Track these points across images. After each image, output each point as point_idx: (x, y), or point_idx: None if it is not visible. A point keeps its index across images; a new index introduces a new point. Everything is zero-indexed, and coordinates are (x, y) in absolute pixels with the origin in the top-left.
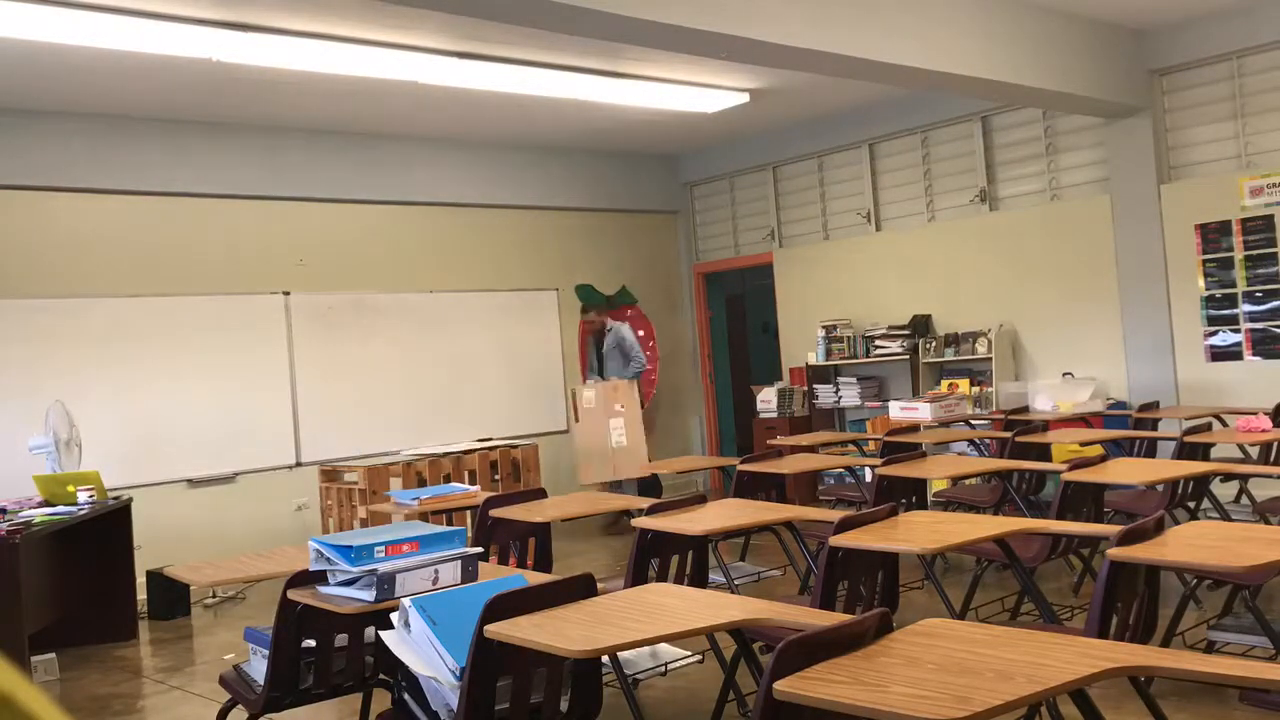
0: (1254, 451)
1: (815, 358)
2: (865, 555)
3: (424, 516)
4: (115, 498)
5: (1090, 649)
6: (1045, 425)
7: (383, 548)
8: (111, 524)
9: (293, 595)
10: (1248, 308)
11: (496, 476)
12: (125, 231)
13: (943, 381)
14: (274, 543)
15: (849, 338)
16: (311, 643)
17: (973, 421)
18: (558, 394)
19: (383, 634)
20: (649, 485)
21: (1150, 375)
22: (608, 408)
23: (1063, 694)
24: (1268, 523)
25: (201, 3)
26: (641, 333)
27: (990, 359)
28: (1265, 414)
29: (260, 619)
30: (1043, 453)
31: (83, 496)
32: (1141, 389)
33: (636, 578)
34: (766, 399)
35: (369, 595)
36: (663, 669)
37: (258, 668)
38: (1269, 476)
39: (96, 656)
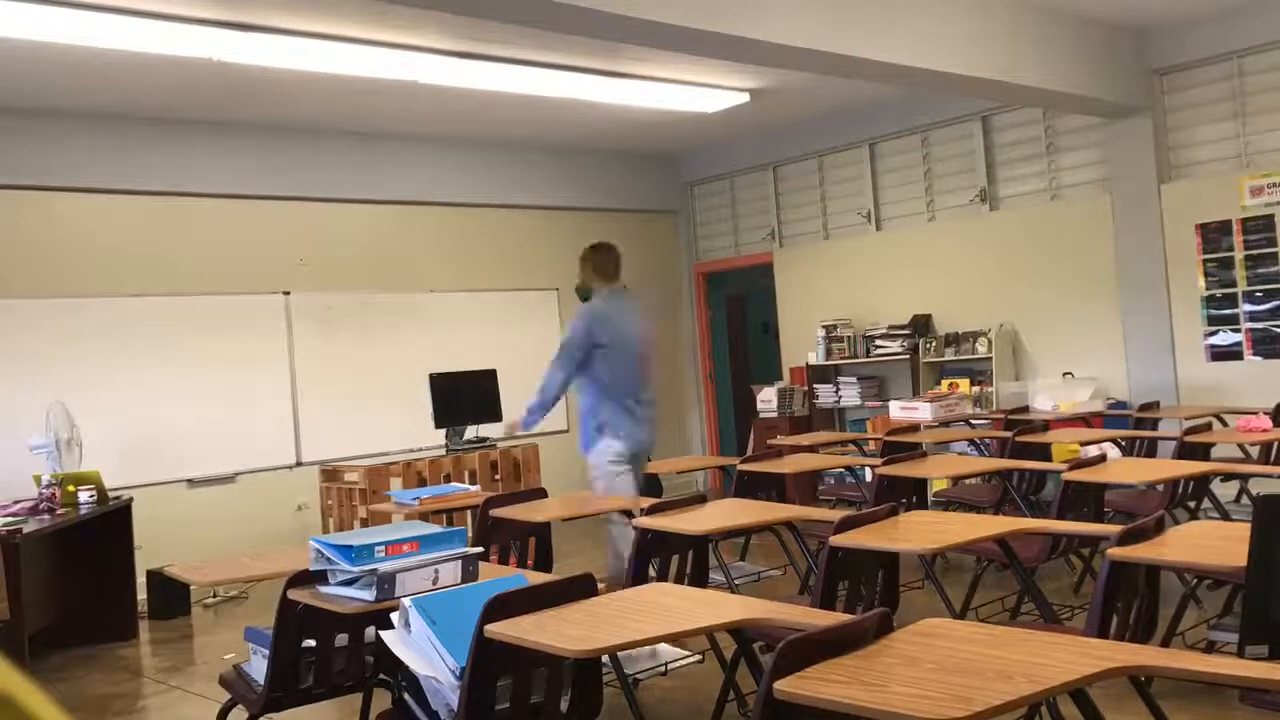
0: (1254, 451)
1: (815, 357)
2: (865, 555)
3: (424, 516)
4: (115, 498)
5: (1090, 649)
6: (1045, 425)
7: (383, 548)
8: (112, 524)
9: (293, 595)
10: (1248, 307)
11: (496, 476)
12: (125, 231)
13: (943, 381)
14: (274, 543)
15: (849, 337)
16: (312, 643)
17: (973, 421)
18: None
19: (383, 634)
20: (649, 485)
21: (1150, 375)
22: None
23: (1063, 694)
24: None
25: (201, 3)
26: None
27: (990, 359)
28: (1265, 414)
29: (260, 619)
30: (1043, 452)
31: (83, 496)
32: (1142, 389)
33: (636, 577)
34: (766, 399)
35: (369, 595)
36: (663, 669)
37: (258, 667)
38: (1269, 476)
39: (96, 656)
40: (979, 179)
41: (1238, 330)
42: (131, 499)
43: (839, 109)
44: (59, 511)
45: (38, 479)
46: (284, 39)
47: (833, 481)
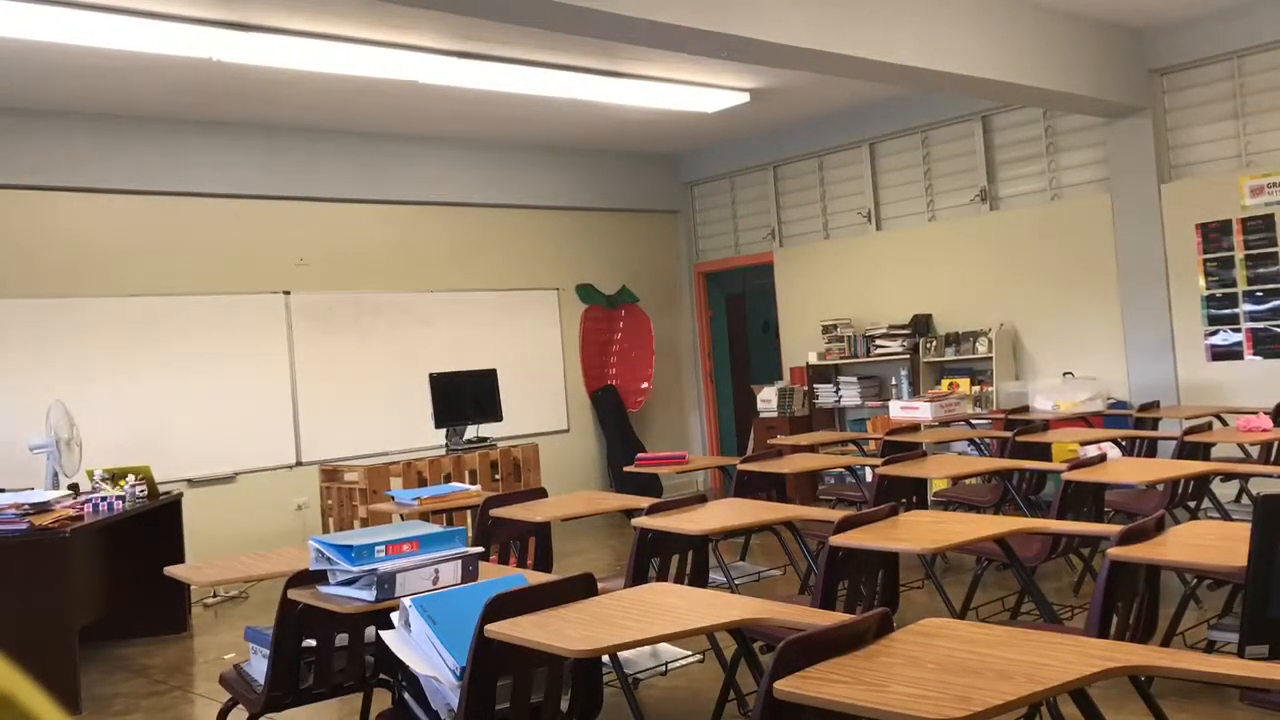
0: (1254, 451)
1: (815, 357)
2: (865, 555)
3: (424, 516)
4: (166, 493)
5: (1090, 649)
6: (1045, 425)
7: (383, 548)
8: (163, 518)
9: (293, 595)
10: (1248, 307)
11: (496, 476)
12: (125, 231)
13: (943, 381)
14: (274, 543)
15: (849, 337)
16: (312, 642)
17: (973, 421)
18: (558, 394)
19: (383, 633)
20: (649, 485)
21: (1151, 375)
22: None
23: (1063, 694)
24: None
25: (201, 3)
26: None
27: (990, 359)
28: (1265, 413)
29: (261, 619)
30: (1043, 452)
31: (126, 489)
32: (1142, 388)
33: (636, 577)
34: (766, 399)
35: (369, 595)
36: (663, 669)
37: (258, 667)
38: (1269, 476)
39: (99, 656)
40: (979, 179)
41: (1238, 330)
42: (181, 494)
43: (839, 109)
44: (115, 508)
45: (90, 474)
46: (284, 39)
47: (833, 481)
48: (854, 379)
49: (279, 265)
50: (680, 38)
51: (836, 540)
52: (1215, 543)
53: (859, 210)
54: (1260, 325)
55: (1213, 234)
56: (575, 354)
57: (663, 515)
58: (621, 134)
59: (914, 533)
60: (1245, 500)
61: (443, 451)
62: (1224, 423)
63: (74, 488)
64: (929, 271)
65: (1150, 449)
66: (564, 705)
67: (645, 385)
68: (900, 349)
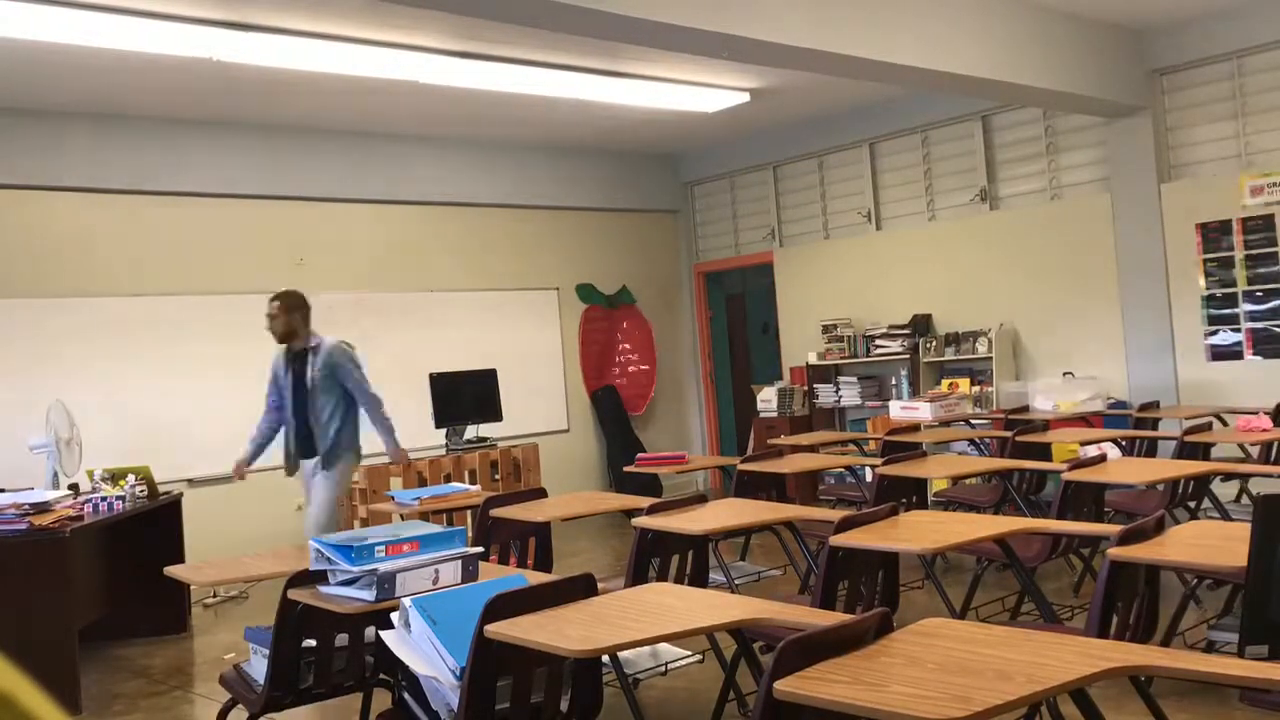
0: (1254, 451)
1: (815, 357)
2: (865, 555)
3: (424, 516)
4: (166, 493)
5: (1090, 649)
6: (1046, 425)
7: (383, 548)
8: (164, 517)
9: (293, 595)
10: (1248, 307)
11: (496, 476)
12: (125, 231)
13: (943, 381)
14: (274, 543)
15: (849, 337)
16: (312, 642)
17: (973, 421)
18: (558, 394)
19: (383, 634)
20: (649, 485)
21: (1151, 375)
22: None
23: (1063, 694)
24: None
25: (201, 2)
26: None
27: (990, 359)
28: (1265, 413)
29: (261, 619)
30: (1043, 452)
31: (126, 489)
32: (1142, 388)
33: (636, 578)
34: (766, 399)
35: (369, 595)
36: (663, 669)
37: (258, 667)
38: (1269, 476)
39: (99, 656)
40: (979, 179)
41: (1238, 330)
42: (181, 494)
43: (839, 109)
44: (115, 508)
45: (90, 474)
46: (284, 39)
47: (833, 481)
48: (854, 379)
49: (279, 265)
50: (680, 38)
51: (836, 540)
52: (1215, 543)
53: (859, 210)
54: (1260, 325)
55: (1213, 234)
56: (575, 354)
57: (663, 515)
58: (621, 134)
59: (914, 533)
60: (1245, 500)
61: (443, 451)
62: (1224, 423)
63: (74, 488)
64: (929, 271)
65: (1150, 449)
66: (564, 705)
67: (646, 385)
68: (900, 349)
